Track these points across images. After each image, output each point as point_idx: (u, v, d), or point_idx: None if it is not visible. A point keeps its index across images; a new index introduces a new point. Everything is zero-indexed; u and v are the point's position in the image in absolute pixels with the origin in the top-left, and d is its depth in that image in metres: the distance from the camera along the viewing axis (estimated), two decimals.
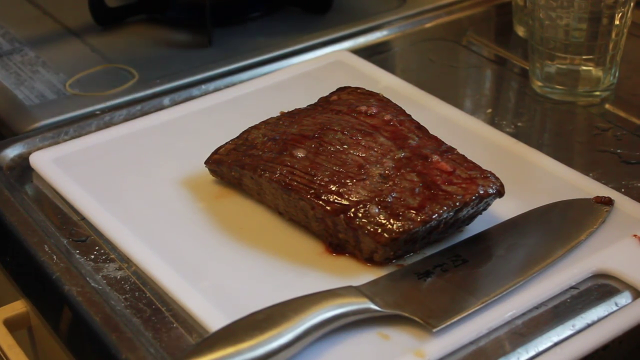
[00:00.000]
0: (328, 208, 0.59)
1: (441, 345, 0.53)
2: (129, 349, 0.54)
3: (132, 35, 0.94)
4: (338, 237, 0.60)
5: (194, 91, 0.82)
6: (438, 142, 0.63)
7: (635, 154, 0.72)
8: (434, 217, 0.57)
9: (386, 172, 0.60)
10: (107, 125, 0.77)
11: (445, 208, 0.58)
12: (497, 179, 0.60)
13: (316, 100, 0.70)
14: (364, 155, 0.61)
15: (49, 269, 0.61)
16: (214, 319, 0.55)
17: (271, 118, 0.68)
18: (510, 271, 0.58)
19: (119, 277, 0.60)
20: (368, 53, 0.88)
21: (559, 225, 0.62)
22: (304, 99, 0.71)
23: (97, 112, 0.79)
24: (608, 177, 0.68)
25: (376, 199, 0.58)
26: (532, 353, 0.54)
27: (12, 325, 0.64)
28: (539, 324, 0.55)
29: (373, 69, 0.83)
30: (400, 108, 0.67)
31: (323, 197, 0.59)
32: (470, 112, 0.77)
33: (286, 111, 0.69)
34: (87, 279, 0.60)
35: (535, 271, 0.58)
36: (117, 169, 0.70)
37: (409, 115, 0.66)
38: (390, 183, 0.59)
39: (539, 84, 0.80)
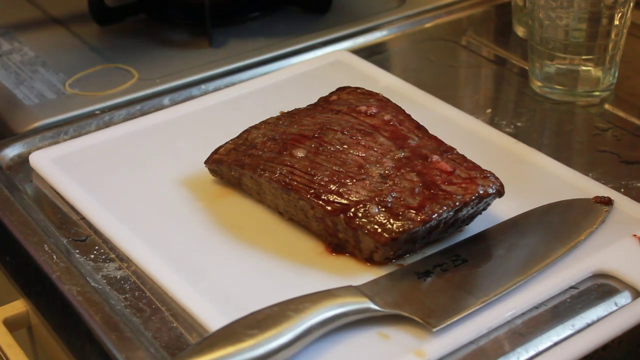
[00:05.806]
0: (328, 208, 0.59)
1: (441, 345, 0.53)
2: (128, 349, 0.54)
3: (131, 35, 0.94)
4: (338, 236, 0.60)
5: (194, 91, 0.82)
6: (438, 142, 0.63)
7: (635, 154, 0.72)
8: (433, 216, 0.57)
9: (386, 172, 0.60)
10: (107, 124, 0.77)
11: (445, 208, 0.58)
12: (496, 178, 0.60)
13: (316, 100, 0.70)
14: (363, 155, 0.61)
15: (49, 268, 0.61)
16: (213, 319, 0.55)
17: (271, 118, 0.68)
18: (510, 271, 0.58)
19: (118, 276, 0.60)
20: (368, 53, 0.88)
21: (559, 225, 0.62)
22: (304, 99, 0.71)
23: (97, 112, 0.79)
24: (607, 177, 0.68)
25: (376, 199, 0.58)
26: (531, 353, 0.54)
27: (11, 324, 0.64)
28: (539, 323, 0.55)
29: (373, 69, 0.83)
30: (400, 108, 0.67)
31: (323, 197, 0.59)
32: (469, 112, 0.77)
33: (286, 111, 0.69)
34: (87, 278, 0.60)
35: (535, 271, 0.58)
36: (116, 168, 0.70)
37: (409, 115, 0.66)
38: (390, 183, 0.59)
39: (539, 84, 0.80)
